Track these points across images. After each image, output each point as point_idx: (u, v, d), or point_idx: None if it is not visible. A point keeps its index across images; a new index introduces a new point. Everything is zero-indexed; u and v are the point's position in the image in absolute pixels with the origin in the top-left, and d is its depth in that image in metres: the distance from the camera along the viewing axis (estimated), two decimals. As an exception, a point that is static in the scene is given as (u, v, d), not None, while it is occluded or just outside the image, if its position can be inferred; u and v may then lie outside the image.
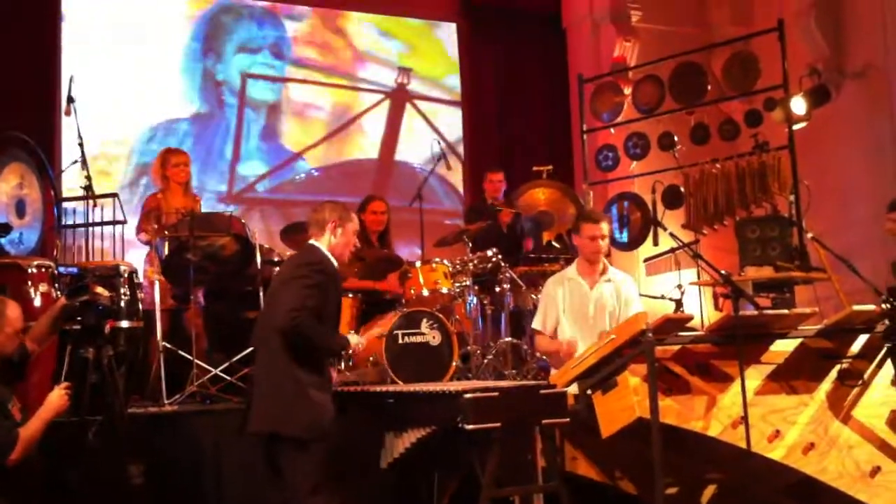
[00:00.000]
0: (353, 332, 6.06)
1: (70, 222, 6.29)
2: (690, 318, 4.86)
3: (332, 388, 4.42)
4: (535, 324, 5.48)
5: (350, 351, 4.61)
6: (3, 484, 3.99)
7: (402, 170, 9.98)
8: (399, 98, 10.09)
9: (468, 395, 4.02)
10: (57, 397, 4.17)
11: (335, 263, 4.45)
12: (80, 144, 6.23)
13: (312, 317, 4.21)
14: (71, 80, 6.42)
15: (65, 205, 6.37)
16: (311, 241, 4.50)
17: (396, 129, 10.08)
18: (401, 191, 8.91)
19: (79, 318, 4.60)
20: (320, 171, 9.66)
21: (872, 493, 4.34)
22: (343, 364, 5.63)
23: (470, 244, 6.92)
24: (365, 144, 9.93)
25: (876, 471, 4.40)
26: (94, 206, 6.17)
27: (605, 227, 5.37)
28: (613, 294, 5.37)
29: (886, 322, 4.45)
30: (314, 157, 9.67)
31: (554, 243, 7.71)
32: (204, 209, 7.17)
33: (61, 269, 5.44)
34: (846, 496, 4.32)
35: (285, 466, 4.22)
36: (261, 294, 6.04)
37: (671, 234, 5.33)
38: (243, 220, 6.40)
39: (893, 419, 4.47)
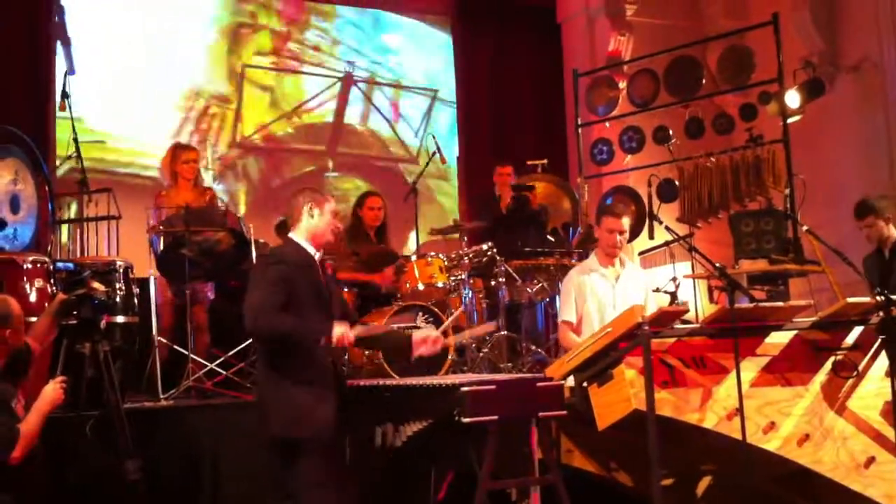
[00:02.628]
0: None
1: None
2: (686, 311, 4.88)
3: (326, 380, 4.27)
4: (566, 315, 5.40)
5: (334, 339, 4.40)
6: (7, 480, 3.98)
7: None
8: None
9: (465, 389, 4.02)
10: (52, 390, 4.15)
11: (310, 251, 4.28)
12: (75, 139, 6.23)
13: (276, 312, 4.05)
14: (66, 75, 6.41)
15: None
16: (290, 235, 4.38)
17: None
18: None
19: (75, 313, 4.59)
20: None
21: (867, 484, 4.37)
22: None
23: (465, 238, 6.93)
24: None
25: (870, 461, 4.42)
26: (89, 200, 6.17)
27: (625, 221, 5.43)
28: (635, 285, 5.43)
29: (880, 314, 4.47)
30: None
31: (549, 237, 7.71)
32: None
33: (59, 265, 5.43)
34: (841, 487, 4.35)
35: (285, 466, 4.21)
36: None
37: (666, 228, 5.36)
38: (239, 215, 6.39)
39: (888, 410, 4.49)
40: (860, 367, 4.63)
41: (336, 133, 9.71)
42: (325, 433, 4.15)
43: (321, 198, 4.40)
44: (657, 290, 6.91)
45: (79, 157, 6.15)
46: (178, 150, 6.88)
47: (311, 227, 4.31)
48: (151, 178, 8.60)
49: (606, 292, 5.35)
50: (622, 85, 8.92)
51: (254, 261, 6.08)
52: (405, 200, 7.44)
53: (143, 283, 6.02)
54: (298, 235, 4.33)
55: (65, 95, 6.39)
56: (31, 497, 4.16)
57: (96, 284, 4.73)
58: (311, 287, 4.25)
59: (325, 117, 9.72)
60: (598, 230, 5.51)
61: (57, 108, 7.02)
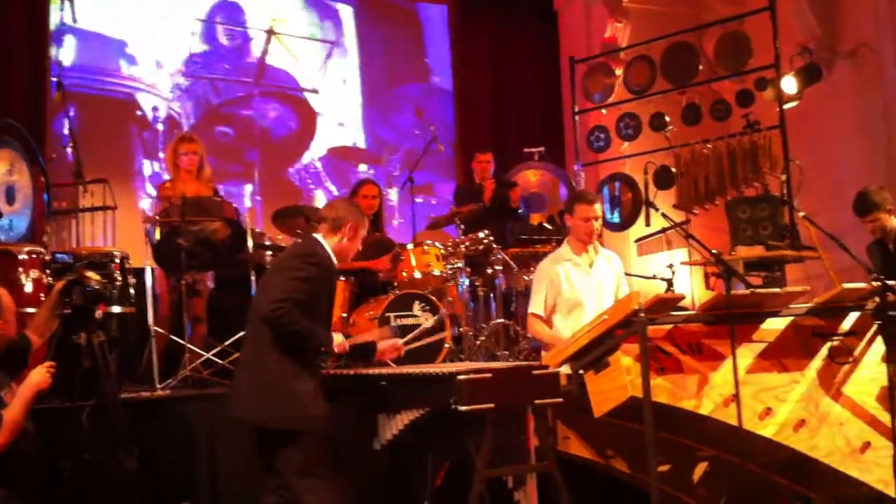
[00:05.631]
0: (344, 315, 6.10)
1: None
2: (682, 298, 4.88)
3: (319, 375, 4.37)
4: (535, 307, 5.32)
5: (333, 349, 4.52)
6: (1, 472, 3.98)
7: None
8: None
9: (461, 377, 4.02)
10: (38, 374, 4.11)
11: (335, 261, 4.39)
12: (70, 130, 6.21)
13: (298, 310, 4.14)
14: (60, 65, 6.40)
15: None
16: (316, 236, 4.43)
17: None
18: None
19: (67, 300, 4.58)
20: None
21: (863, 469, 4.38)
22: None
23: (462, 226, 6.93)
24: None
25: (866, 446, 4.43)
26: (85, 191, 6.16)
27: (598, 208, 5.34)
28: (611, 273, 5.38)
29: (877, 299, 4.47)
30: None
31: (545, 224, 7.71)
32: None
33: (57, 257, 5.43)
34: (837, 472, 4.36)
35: (279, 455, 4.21)
36: (252, 279, 6.05)
37: (663, 215, 5.34)
38: (235, 205, 6.39)
39: (883, 395, 4.50)
40: (856, 353, 4.64)
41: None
42: (320, 425, 4.19)
43: (363, 222, 4.53)
44: (653, 276, 6.94)
45: (74, 147, 6.13)
46: (179, 142, 6.85)
47: (343, 246, 4.44)
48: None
49: (582, 280, 5.30)
50: (619, 72, 8.90)
51: (250, 251, 6.09)
52: (402, 189, 7.44)
53: (139, 273, 6.01)
54: (328, 244, 4.40)
55: (60, 86, 6.37)
56: (27, 487, 4.16)
57: (90, 273, 4.72)
58: (328, 296, 4.42)
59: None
60: (572, 219, 5.36)
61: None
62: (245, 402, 4.27)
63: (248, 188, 9.23)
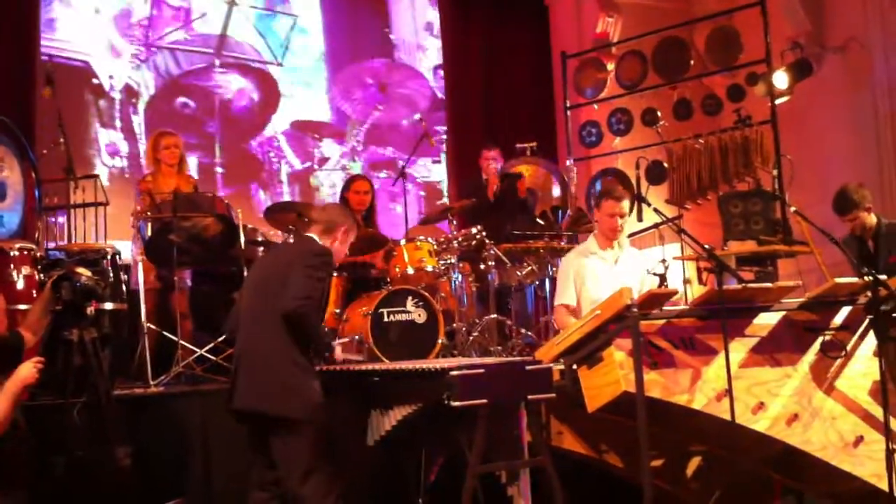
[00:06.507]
0: (338, 311, 6.09)
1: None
2: (675, 293, 4.89)
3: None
4: (566, 298, 5.37)
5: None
6: None
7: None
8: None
9: (454, 373, 4.02)
10: (25, 369, 4.06)
11: None
12: (61, 125, 6.19)
13: (315, 309, 4.29)
14: (50, 60, 6.37)
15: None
16: (312, 236, 4.52)
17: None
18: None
19: (57, 296, 4.56)
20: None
21: (856, 463, 4.40)
22: None
23: (455, 221, 6.92)
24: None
25: (859, 441, 4.45)
26: (76, 187, 6.14)
27: (625, 205, 5.40)
28: (634, 267, 5.44)
29: (868, 294, 4.49)
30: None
31: (538, 220, 7.70)
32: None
33: (51, 253, 5.41)
34: (830, 466, 4.38)
35: (278, 448, 4.21)
36: (245, 274, 6.02)
37: (655, 210, 5.34)
38: (226, 201, 6.37)
39: (876, 390, 4.52)
40: (848, 347, 4.66)
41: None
42: (322, 419, 4.22)
43: (353, 228, 4.68)
44: (646, 272, 6.93)
45: (65, 143, 6.11)
46: (159, 136, 6.86)
47: (335, 249, 4.54)
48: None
49: (605, 274, 5.34)
50: (610, 67, 8.90)
51: (242, 246, 6.08)
52: (394, 184, 7.43)
53: (126, 269, 5.99)
54: (323, 244, 4.50)
55: (49, 81, 6.34)
56: (18, 484, 4.15)
57: (80, 269, 4.70)
58: (325, 296, 4.54)
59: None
60: (598, 213, 5.46)
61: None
62: (250, 393, 4.27)
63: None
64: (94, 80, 8.72)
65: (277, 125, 9.72)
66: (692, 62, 8.38)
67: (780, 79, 8.32)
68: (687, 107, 8.40)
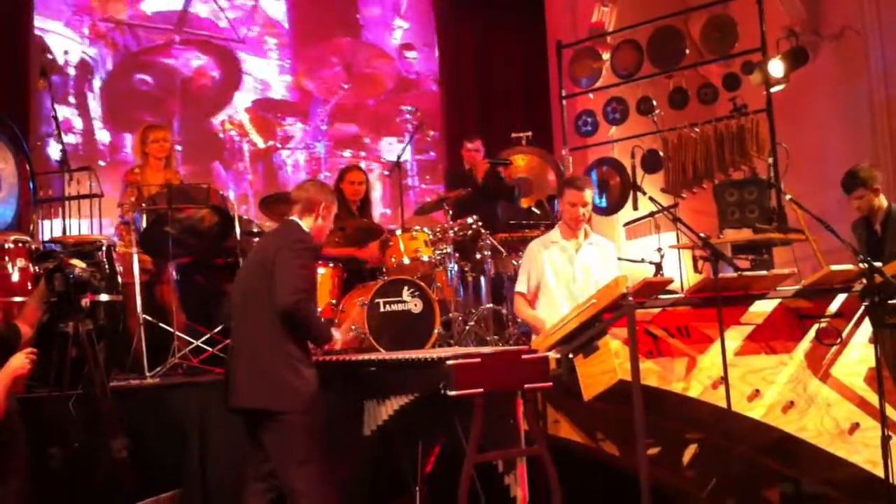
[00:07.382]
0: (334, 301, 6.09)
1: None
2: (670, 281, 4.90)
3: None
4: (520, 286, 5.46)
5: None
6: None
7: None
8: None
9: (451, 362, 4.02)
10: (17, 360, 4.04)
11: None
12: (55, 118, 6.17)
13: (310, 300, 4.27)
14: (44, 53, 6.35)
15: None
16: (294, 219, 4.46)
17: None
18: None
19: (51, 288, 4.56)
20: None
21: (851, 450, 4.41)
22: None
23: (451, 211, 6.91)
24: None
25: (855, 427, 4.46)
26: (70, 179, 6.12)
27: (587, 194, 5.37)
28: (598, 258, 5.39)
29: (864, 281, 4.49)
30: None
31: (534, 209, 7.70)
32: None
33: (47, 246, 5.39)
34: (826, 453, 4.38)
35: (271, 441, 4.20)
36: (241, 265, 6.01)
37: (650, 199, 5.34)
38: (221, 192, 6.36)
39: (871, 377, 4.52)
40: (844, 335, 4.67)
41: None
42: (319, 411, 4.22)
43: (334, 200, 4.60)
44: (642, 260, 6.94)
45: (59, 134, 6.09)
46: (147, 130, 6.82)
47: (318, 226, 4.51)
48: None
49: (565, 265, 5.35)
50: (606, 56, 8.88)
51: (237, 237, 6.07)
52: (388, 176, 7.42)
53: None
54: (305, 225, 4.46)
55: (43, 73, 6.32)
56: (12, 476, 4.14)
57: (74, 261, 4.69)
58: (314, 279, 4.55)
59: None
60: (561, 202, 5.45)
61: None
62: (247, 390, 4.25)
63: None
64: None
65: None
66: (688, 51, 8.37)
67: (776, 67, 8.29)
68: (682, 96, 8.39)
